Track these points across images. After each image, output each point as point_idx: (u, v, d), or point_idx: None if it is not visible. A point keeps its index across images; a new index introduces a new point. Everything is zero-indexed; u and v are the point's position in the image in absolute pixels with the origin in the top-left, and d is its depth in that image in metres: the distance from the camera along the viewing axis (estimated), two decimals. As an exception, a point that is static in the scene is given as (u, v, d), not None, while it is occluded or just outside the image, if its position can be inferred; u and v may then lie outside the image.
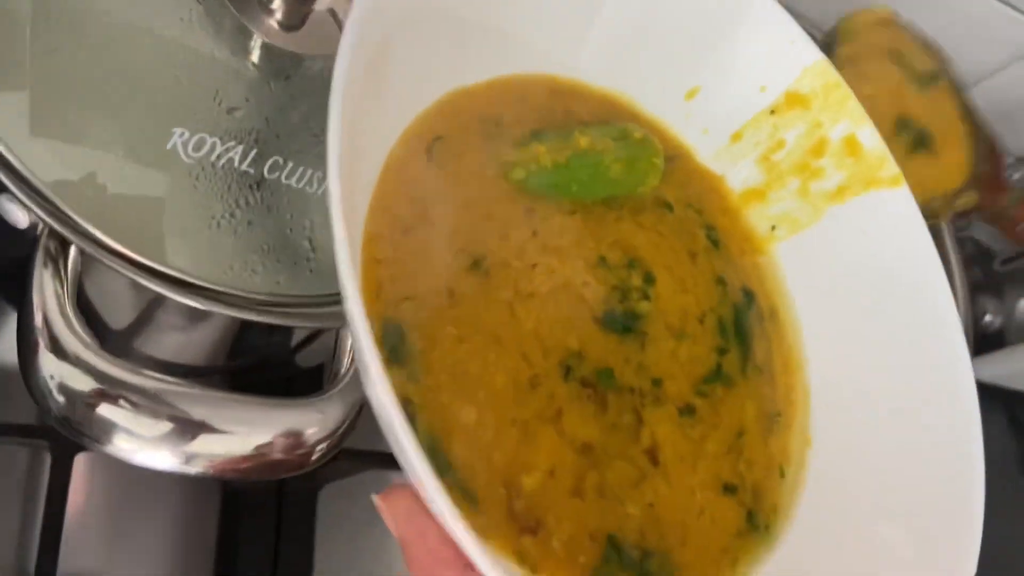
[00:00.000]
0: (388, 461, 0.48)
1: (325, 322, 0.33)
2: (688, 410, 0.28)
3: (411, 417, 0.23)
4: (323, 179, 0.34)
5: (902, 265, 0.33)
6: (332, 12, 0.36)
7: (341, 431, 0.31)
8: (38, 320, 0.28)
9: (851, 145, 0.34)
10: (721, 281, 0.31)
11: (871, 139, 0.33)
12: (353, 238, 0.23)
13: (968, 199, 0.50)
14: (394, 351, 0.24)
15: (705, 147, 0.35)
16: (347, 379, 0.32)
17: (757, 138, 0.35)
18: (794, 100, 0.34)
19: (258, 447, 0.29)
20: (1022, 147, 0.57)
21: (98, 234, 0.29)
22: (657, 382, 0.28)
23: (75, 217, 0.29)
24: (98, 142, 0.30)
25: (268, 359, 0.40)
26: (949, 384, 0.31)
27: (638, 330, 0.28)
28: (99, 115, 0.31)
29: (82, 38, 0.31)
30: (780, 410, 0.31)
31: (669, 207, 0.32)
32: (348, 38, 0.21)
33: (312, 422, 0.30)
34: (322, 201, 0.34)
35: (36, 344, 0.28)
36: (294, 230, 0.34)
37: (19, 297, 0.29)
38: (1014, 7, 0.54)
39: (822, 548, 0.29)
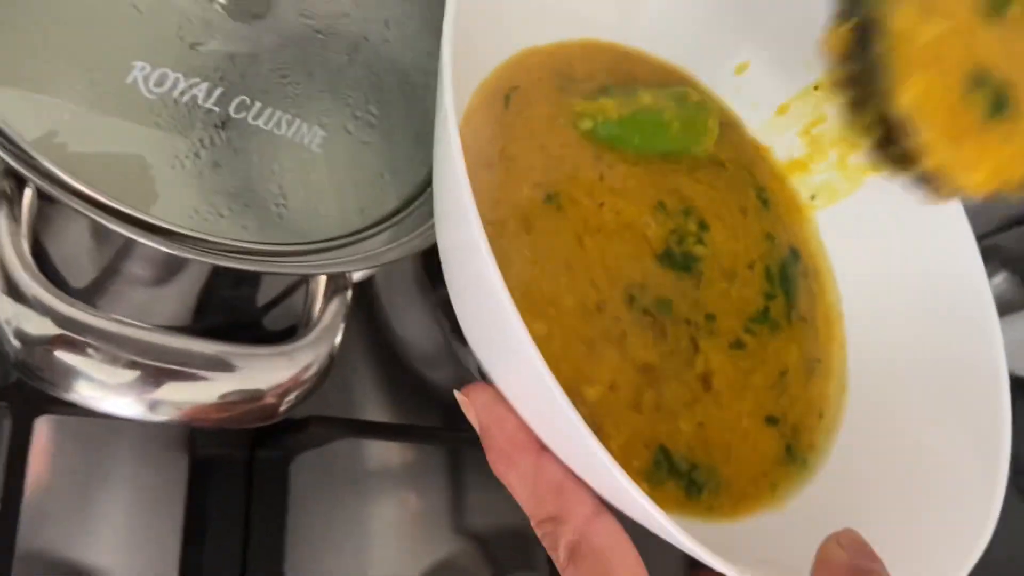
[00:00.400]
0: (361, 429, 0.47)
1: (294, 268, 0.31)
2: (738, 344, 0.31)
3: None
4: (292, 121, 0.33)
5: (933, 231, 0.35)
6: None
7: (312, 381, 0.30)
8: (-8, 262, 0.26)
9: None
10: (769, 237, 0.34)
11: None
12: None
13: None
14: None
15: (753, 119, 0.38)
16: (319, 328, 0.31)
17: (801, 112, 0.37)
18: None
19: (225, 394, 0.28)
20: None
21: (56, 171, 0.27)
22: (711, 317, 0.30)
23: (31, 152, 0.27)
24: (54, 76, 0.29)
25: (235, 321, 0.39)
26: (979, 342, 0.33)
27: (694, 269, 0.31)
28: (54, 47, 0.29)
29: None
30: (820, 357, 0.33)
31: (722, 166, 0.34)
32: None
33: (283, 370, 0.29)
34: (291, 144, 0.33)
35: (-9, 287, 0.25)
36: (262, 174, 0.32)
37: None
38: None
39: (857, 486, 0.31)
